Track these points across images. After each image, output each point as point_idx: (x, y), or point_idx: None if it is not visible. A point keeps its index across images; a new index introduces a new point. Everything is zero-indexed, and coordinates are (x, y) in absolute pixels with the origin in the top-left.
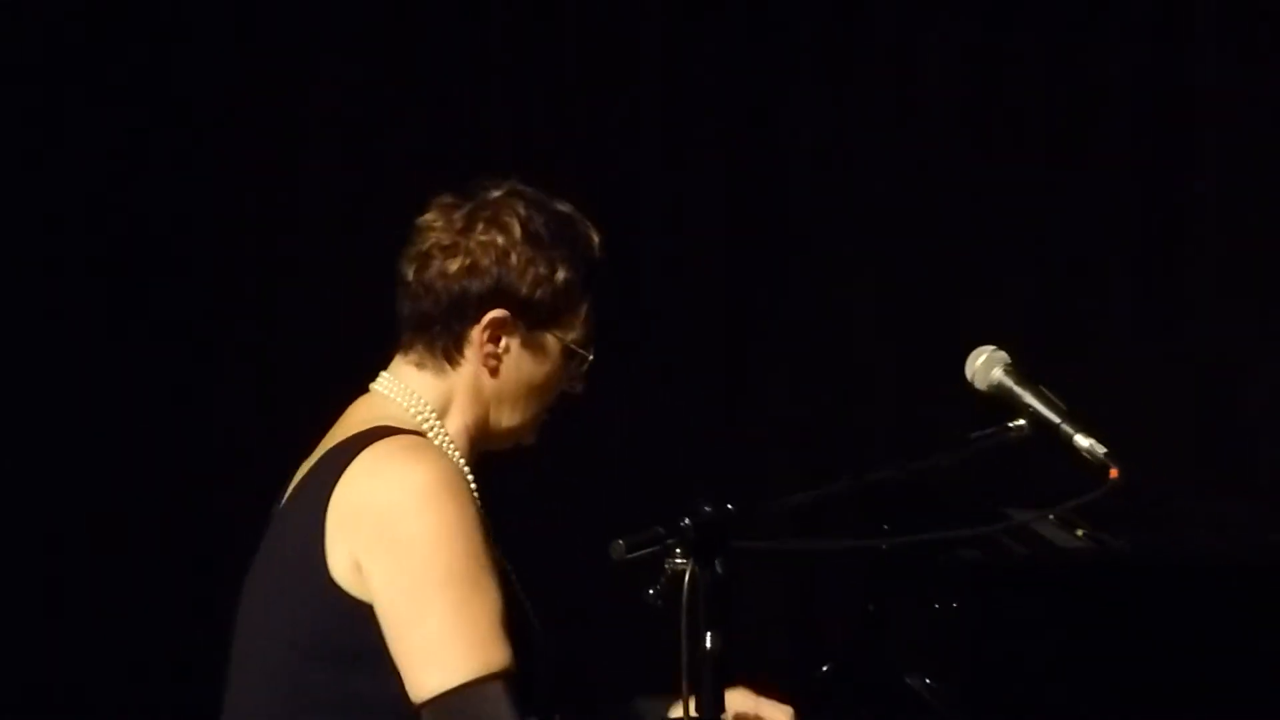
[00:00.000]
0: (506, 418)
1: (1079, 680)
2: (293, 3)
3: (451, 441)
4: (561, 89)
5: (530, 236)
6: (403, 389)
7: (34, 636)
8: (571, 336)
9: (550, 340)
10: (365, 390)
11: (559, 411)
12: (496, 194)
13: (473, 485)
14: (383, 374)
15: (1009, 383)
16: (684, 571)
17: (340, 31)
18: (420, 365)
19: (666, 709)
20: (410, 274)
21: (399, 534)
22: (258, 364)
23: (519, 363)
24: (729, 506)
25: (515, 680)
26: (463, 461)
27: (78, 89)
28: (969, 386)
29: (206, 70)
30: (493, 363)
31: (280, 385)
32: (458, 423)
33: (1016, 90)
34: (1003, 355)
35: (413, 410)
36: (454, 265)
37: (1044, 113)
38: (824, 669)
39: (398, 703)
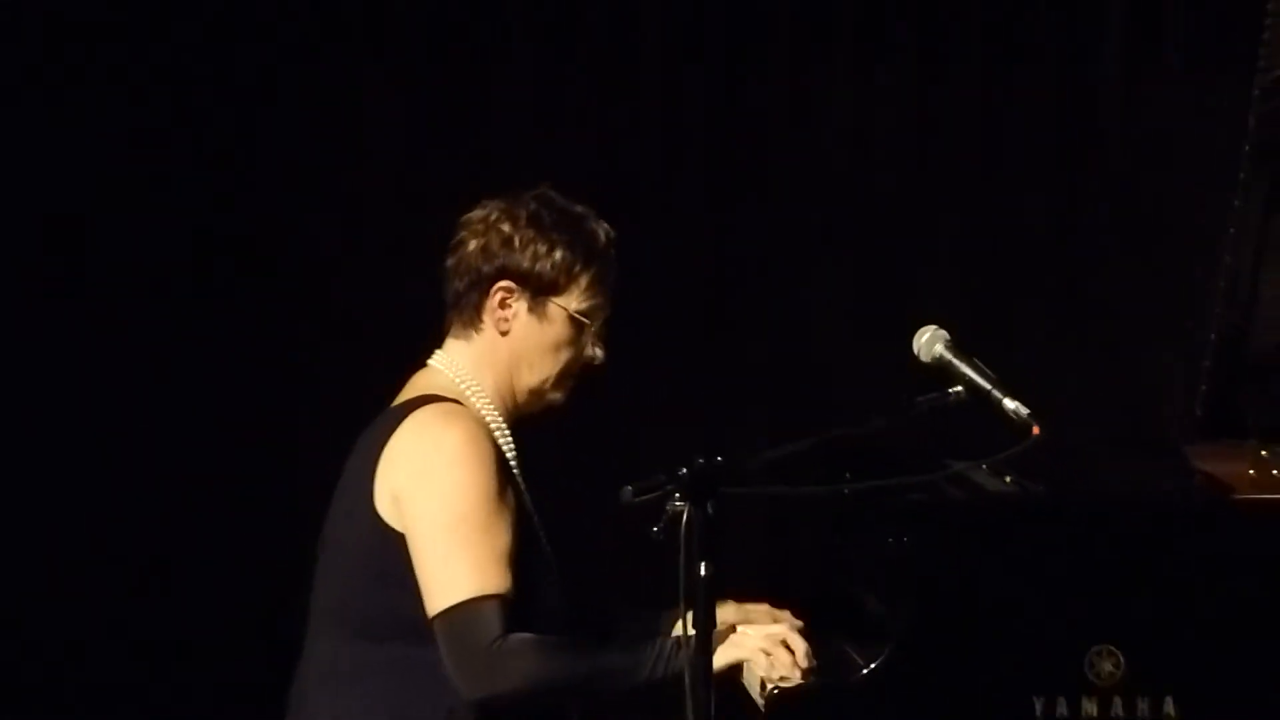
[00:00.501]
0: (526, 376)
1: (1005, 599)
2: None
3: (490, 403)
4: (573, 96)
5: (533, 223)
6: (450, 362)
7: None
8: (574, 305)
9: (553, 308)
10: (424, 365)
11: (588, 380)
12: (524, 195)
13: (510, 441)
14: (438, 351)
15: (949, 356)
16: (682, 512)
17: (386, 55)
18: (457, 336)
19: (670, 621)
20: (449, 261)
21: (430, 481)
22: (352, 348)
23: (527, 326)
24: (719, 459)
25: (509, 602)
26: (501, 420)
27: (150, 89)
28: (915, 359)
29: (277, 76)
30: (504, 325)
31: (367, 361)
32: (490, 383)
33: (953, 109)
34: (943, 333)
35: (457, 379)
36: (473, 247)
37: (975, 129)
38: (797, 594)
39: (418, 618)
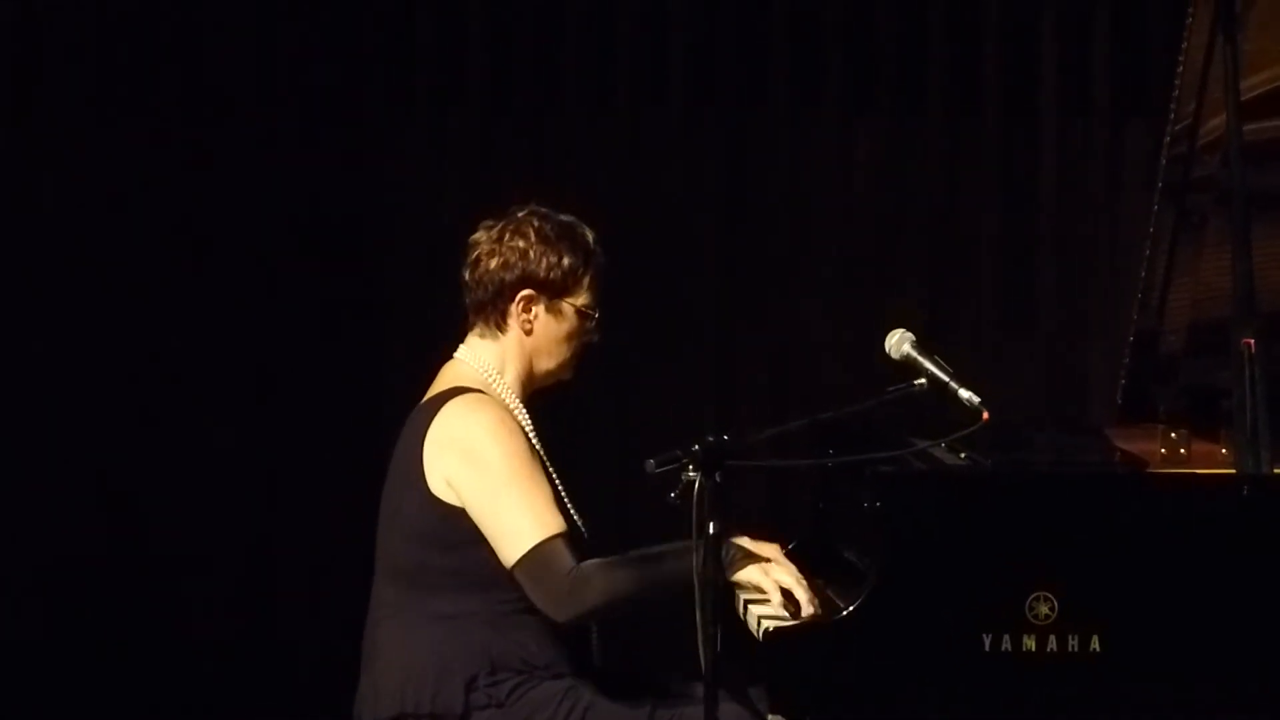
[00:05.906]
0: (544, 364)
1: (959, 553)
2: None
3: (509, 389)
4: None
5: (542, 237)
6: (474, 355)
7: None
8: (581, 301)
9: (565, 306)
10: (451, 358)
11: (616, 373)
12: (520, 214)
13: (528, 420)
14: (461, 346)
15: (915, 354)
16: (695, 481)
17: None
18: (482, 336)
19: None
20: (467, 275)
21: (477, 458)
22: (404, 348)
23: (546, 324)
24: (725, 437)
25: (570, 537)
26: (519, 402)
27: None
28: (886, 356)
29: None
30: (528, 326)
31: (406, 355)
32: (512, 374)
33: (919, 154)
34: (911, 335)
35: (481, 371)
36: (493, 264)
37: (939, 173)
38: (790, 546)
39: (485, 568)
